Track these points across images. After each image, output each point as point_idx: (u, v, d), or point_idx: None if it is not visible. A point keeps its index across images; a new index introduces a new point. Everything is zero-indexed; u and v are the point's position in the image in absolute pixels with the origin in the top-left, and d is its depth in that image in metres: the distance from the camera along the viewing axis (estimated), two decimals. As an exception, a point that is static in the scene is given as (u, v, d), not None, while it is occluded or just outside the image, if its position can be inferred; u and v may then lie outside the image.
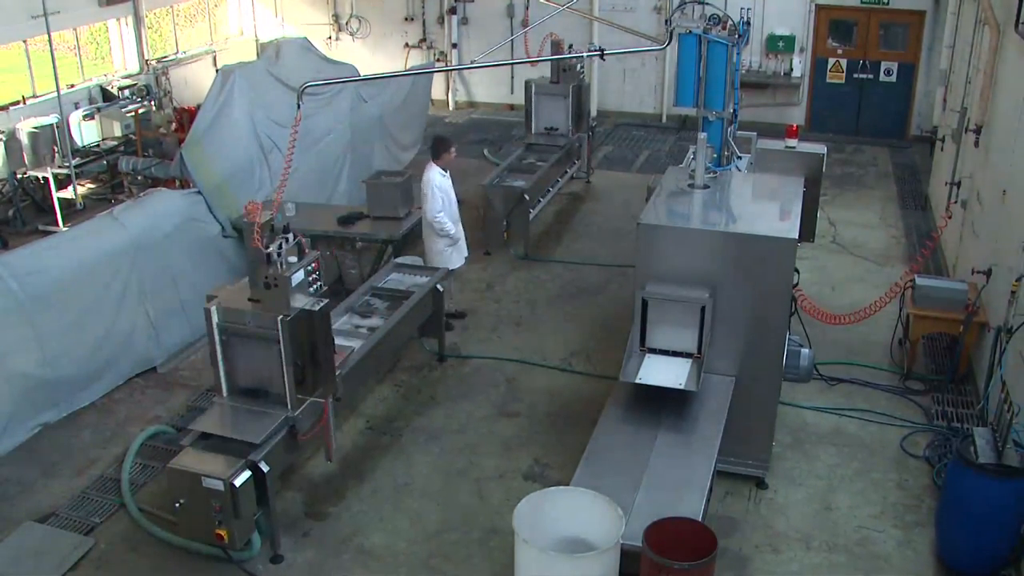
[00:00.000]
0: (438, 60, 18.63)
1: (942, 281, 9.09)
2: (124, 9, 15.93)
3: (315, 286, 6.59)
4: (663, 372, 6.74)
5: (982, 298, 8.42)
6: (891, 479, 7.43)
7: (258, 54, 18.26)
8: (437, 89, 18.11)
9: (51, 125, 12.67)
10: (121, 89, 15.40)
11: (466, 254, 9.89)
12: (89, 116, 14.19)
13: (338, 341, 7.26)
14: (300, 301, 6.44)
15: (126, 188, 13.43)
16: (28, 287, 7.85)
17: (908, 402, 8.43)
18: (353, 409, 8.40)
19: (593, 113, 17.31)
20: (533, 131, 13.53)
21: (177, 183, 11.49)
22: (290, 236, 6.43)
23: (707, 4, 8.66)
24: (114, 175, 13.74)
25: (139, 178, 13.22)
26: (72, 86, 14.80)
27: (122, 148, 13.76)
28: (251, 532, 6.46)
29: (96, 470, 7.64)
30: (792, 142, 8.47)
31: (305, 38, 13.26)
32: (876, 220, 12.81)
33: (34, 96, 14.08)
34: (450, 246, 9.55)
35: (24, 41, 13.91)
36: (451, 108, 18.98)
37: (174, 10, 17.49)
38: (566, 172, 13.37)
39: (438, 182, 9.33)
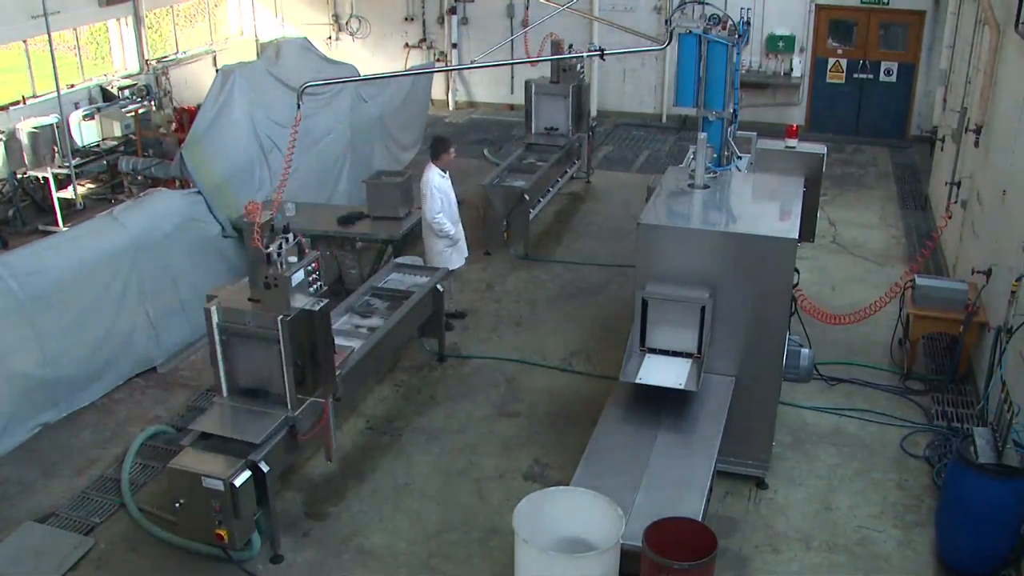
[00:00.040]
0: (438, 60, 18.63)
1: (942, 281, 9.09)
2: (124, 9, 15.93)
3: (315, 286, 6.59)
4: (663, 372, 6.74)
5: (982, 298, 8.42)
6: (891, 479, 7.43)
7: (258, 54, 18.26)
8: (437, 89, 18.11)
9: (51, 125, 12.67)
10: (121, 89, 15.40)
11: (466, 254, 9.89)
12: (89, 116, 14.19)
13: (338, 341, 7.26)
14: (300, 301, 6.44)
15: (126, 188, 13.43)
16: (28, 287, 7.85)
17: (908, 402, 8.43)
18: (353, 409, 8.40)
19: (593, 113, 17.30)
20: (533, 131, 13.53)
21: (177, 183, 11.49)
22: (290, 236, 6.43)
23: (707, 4, 8.66)
24: (114, 175, 13.74)
25: (139, 178, 13.22)
26: (72, 86, 14.81)
27: (122, 148, 13.76)
28: (251, 532, 6.46)
29: (96, 470, 7.64)
30: (792, 142, 8.46)
31: (305, 38, 13.26)
32: (876, 220, 12.81)
33: (34, 96, 14.09)
34: (450, 247, 9.55)
35: (24, 41, 13.91)
36: (451, 108, 18.98)
37: (174, 10, 17.50)
38: (566, 172, 13.37)
39: (437, 183, 9.33)
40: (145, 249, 8.92)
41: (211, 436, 6.45)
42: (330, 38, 19.14)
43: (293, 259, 6.43)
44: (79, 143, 13.80)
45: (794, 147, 8.43)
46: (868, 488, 7.32)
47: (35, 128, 12.60)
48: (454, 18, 18.42)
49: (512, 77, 18.18)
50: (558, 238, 12.31)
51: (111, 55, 16.72)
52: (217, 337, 6.57)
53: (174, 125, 14.57)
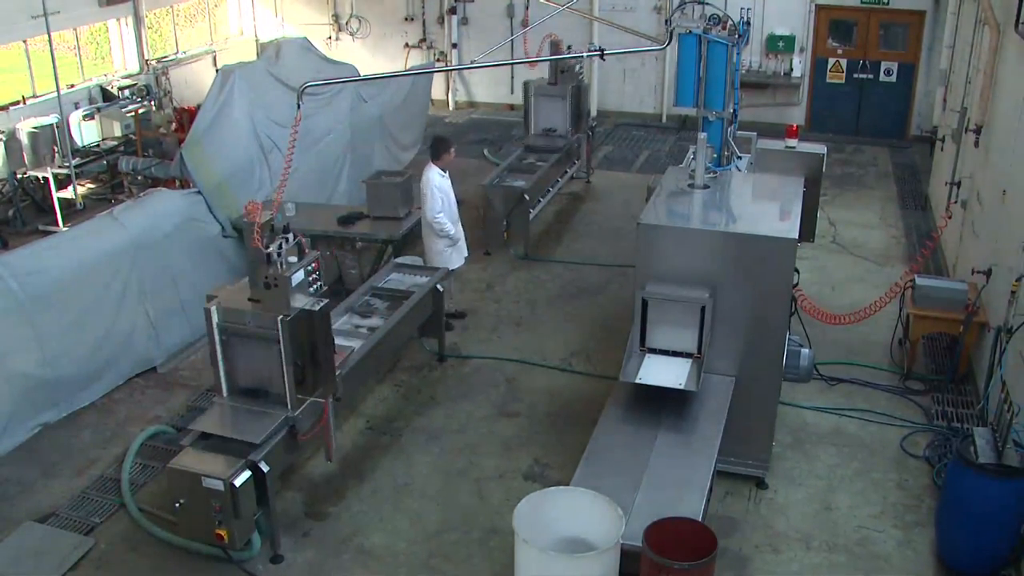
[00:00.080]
0: (438, 60, 18.63)
1: (942, 281, 9.09)
2: (124, 9, 15.94)
3: (315, 286, 6.59)
4: (663, 372, 6.74)
5: (982, 298, 8.42)
6: (891, 479, 7.43)
7: (258, 54, 18.26)
8: (437, 89, 18.11)
9: (51, 125, 12.67)
10: (121, 89, 15.41)
11: (466, 254, 9.89)
12: (89, 116, 14.19)
13: (338, 341, 7.26)
14: (300, 301, 6.44)
15: (126, 188, 13.43)
16: (28, 287, 7.85)
17: (908, 402, 8.43)
18: (353, 409, 8.40)
19: (593, 113, 17.31)
20: (531, 132, 13.52)
21: (177, 183, 11.49)
22: (290, 236, 6.43)
23: (707, 4, 8.65)
24: (114, 175, 13.74)
25: (139, 178, 13.22)
26: (72, 86, 14.81)
27: (122, 148, 13.76)
28: (251, 532, 6.46)
29: (96, 470, 7.64)
30: (792, 142, 8.46)
31: (305, 38, 13.26)
32: (876, 220, 12.81)
33: (34, 96, 14.09)
34: (450, 246, 9.56)
35: (24, 41, 13.91)
36: (451, 108, 18.98)
37: (174, 10, 17.50)
38: (566, 172, 13.37)
39: (437, 182, 9.34)
40: (145, 249, 8.92)
41: (211, 436, 6.45)
42: (330, 38, 19.14)
43: (293, 259, 6.43)
44: (79, 143, 13.80)
45: (794, 147, 8.43)
46: (868, 488, 7.32)
47: (35, 128, 12.60)
48: (454, 18, 18.43)
49: (512, 77, 18.18)
50: (558, 238, 12.31)
51: (111, 55, 16.72)
52: (217, 337, 6.57)
53: (174, 125, 14.57)
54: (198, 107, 11.50)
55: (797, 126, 8.85)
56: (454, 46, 18.54)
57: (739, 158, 8.96)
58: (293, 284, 6.35)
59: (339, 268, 10.52)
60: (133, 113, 14.23)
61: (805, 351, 7.52)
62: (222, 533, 6.21)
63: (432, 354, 9.33)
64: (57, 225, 12.39)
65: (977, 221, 9.42)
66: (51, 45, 12.37)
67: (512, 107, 18.02)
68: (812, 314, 7.52)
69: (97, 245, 8.61)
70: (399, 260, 9.60)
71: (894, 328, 9.17)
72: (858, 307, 7.55)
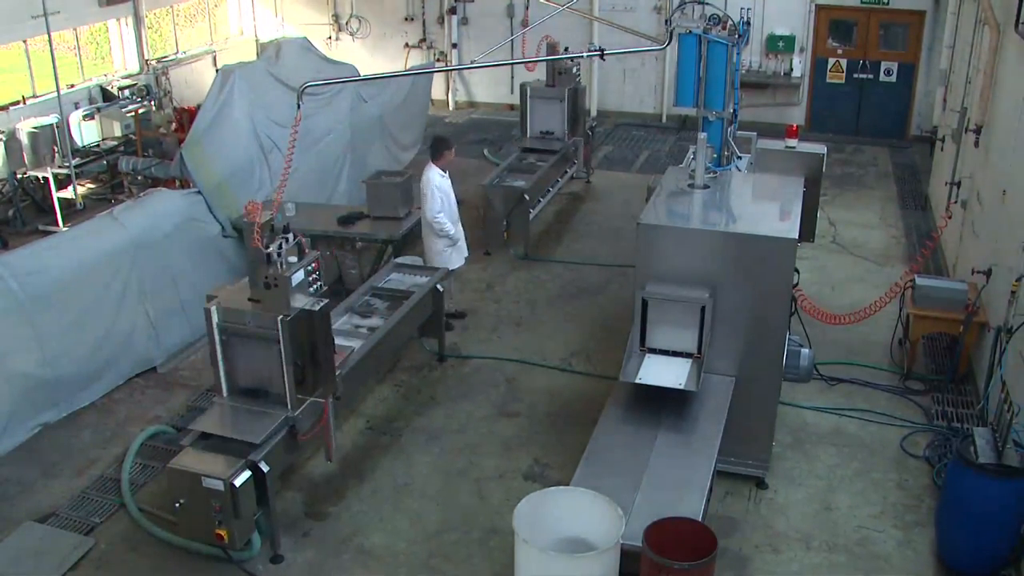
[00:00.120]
0: (438, 60, 18.63)
1: (942, 281, 9.09)
2: (124, 9, 15.94)
3: (315, 286, 6.59)
4: (663, 372, 6.74)
5: (982, 298, 8.42)
6: (891, 479, 7.43)
7: (258, 54, 18.26)
8: (437, 89, 18.12)
9: (51, 125, 12.67)
10: (121, 89, 15.41)
11: (466, 254, 9.89)
12: (89, 116, 14.20)
13: (338, 341, 7.25)
14: (300, 301, 6.44)
15: (126, 188, 13.43)
16: (28, 287, 7.85)
17: (908, 402, 8.43)
18: (353, 409, 8.39)
19: (593, 113, 17.34)
20: (528, 135, 13.49)
21: (177, 183, 11.50)
22: (290, 236, 6.43)
23: (707, 4, 8.66)
24: (114, 175, 13.74)
25: (139, 178, 13.22)
26: (72, 86, 14.81)
27: (122, 148, 13.76)
28: (251, 532, 6.45)
29: (96, 470, 7.64)
30: (792, 142, 8.46)
31: (305, 38, 13.26)
32: (876, 220, 12.81)
33: (34, 96, 14.10)
34: (449, 246, 9.55)
35: (24, 41, 13.91)
36: (451, 108, 18.98)
37: (174, 10, 17.50)
38: (566, 172, 13.36)
39: (437, 182, 9.34)
40: (145, 249, 8.92)
41: (211, 436, 6.45)
42: (330, 38, 19.14)
43: (293, 259, 6.43)
44: (79, 143, 13.80)
45: (794, 147, 8.42)
46: (868, 488, 7.32)
47: (35, 128, 12.60)
48: (454, 18, 18.43)
49: (512, 77, 18.17)
50: (558, 238, 12.31)
51: (111, 55, 16.72)
52: (217, 337, 6.57)
53: (174, 125, 14.57)
54: (198, 107, 11.50)
55: (797, 126, 8.84)
56: (454, 46, 18.54)
57: (739, 158, 8.96)
58: (293, 284, 6.35)
59: (339, 268, 10.52)
60: (133, 113, 14.23)
61: (805, 351, 7.52)
62: (222, 533, 6.21)
63: (432, 354, 9.33)
64: (57, 225, 12.39)
65: (977, 221, 9.42)
66: (51, 45, 12.37)
67: (512, 107, 17.98)
68: (812, 314, 7.52)
69: (97, 245, 8.61)
70: (399, 260, 9.60)
71: (894, 328, 9.17)
72: (858, 307, 7.55)
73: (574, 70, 13.55)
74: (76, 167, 12.78)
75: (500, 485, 7.42)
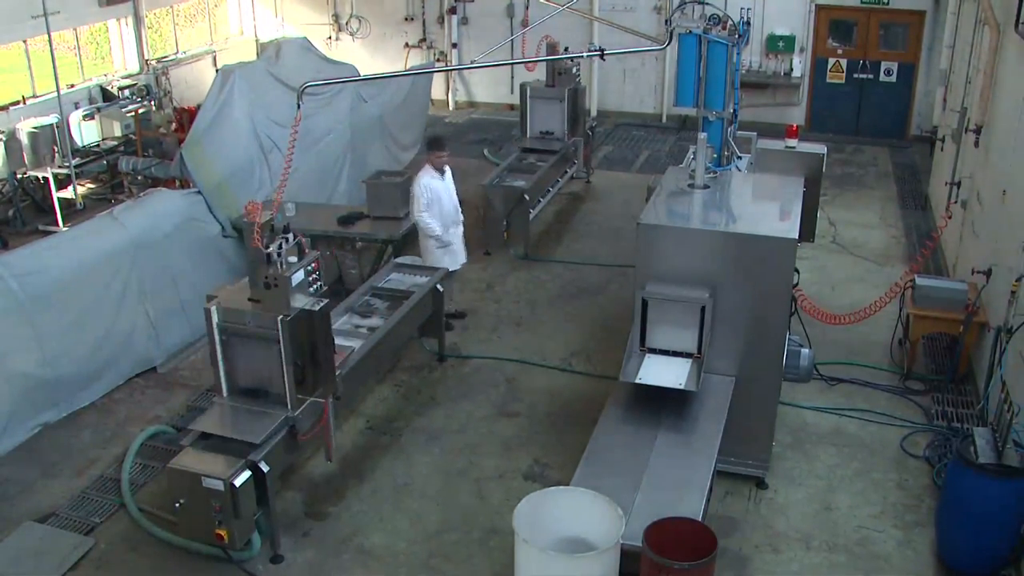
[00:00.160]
0: (438, 60, 18.63)
1: (942, 281, 9.09)
2: (124, 9, 15.94)
3: (315, 286, 6.59)
4: (663, 372, 6.74)
5: (982, 298, 8.42)
6: (891, 479, 7.43)
7: (258, 54, 18.26)
8: (437, 89, 18.12)
9: (51, 125, 12.67)
10: (121, 89, 15.41)
11: (462, 260, 9.81)
12: (89, 116, 14.19)
13: (338, 341, 7.25)
14: (300, 301, 6.44)
15: (126, 188, 13.43)
16: (28, 287, 7.85)
17: (908, 402, 8.43)
18: (353, 409, 8.39)
19: (593, 113, 17.33)
20: (528, 135, 13.49)
21: (177, 183, 11.49)
22: (290, 236, 6.43)
23: (707, 4, 8.66)
24: (114, 175, 13.74)
25: (139, 178, 13.22)
26: (72, 86, 14.81)
27: (122, 148, 13.76)
28: (251, 532, 6.45)
29: (96, 470, 7.64)
30: (792, 142, 8.46)
31: (305, 38, 13.27)
32: (876, 220, 12.81)
33: (34, 96, 14.10)
34: (439, 248, 9.48)
35: (24, 41, 13.91)
36: (451, 108, 18.98)
37: (174, 10, 17.50)
38: (566, 172, 13.36)
39: (425, 182, 9.29)
40: (145, 249, 8.92)
41: (211, 436, 6.45)
42: (330, 38, 19.14)
43: (293, 259, 6.43)
44: (79, 143, 13.80)
45: (794, 147, 8.43)
46: (868, 488, 7.32)
47: (35, 128, 12.60)
48: (454, 18, 18.43)
49: (512, 77, 18.17)
50: (558, 238, 12.31)
51: (111, 55, 16.72)
52: (217, 337, 6.57)
53: (174, 125, 14.57)
54: (198, 107, 11.50)
55: (797, 126, 8.85)
56: (454, 46, 18.54)
57: (739, 158, 8.96)
58: (293, 284, 6.35)
59: (339, 268, 10.52)
60: (133, 113, 14.23)
61: (805, 351, 7.51)
62: (222, 533, 6.21)
63: (432, 354, 9.33)
64: (57, 225, 12.39)
65: (977, 221, 9.42)
66: (51, 45, 12.37)
67: (512, 107, 17.97)
68: (812, 314, 7.52)
69: (97, 245, 8.61)
70: (399, 260, 9.60)
71: (894, 328, 9.17)
72: (858, 307, 7.55)
73: (574, 70, 13.54)
74: (76, 167, 12.78)
75: (500, 485, 7.42)
